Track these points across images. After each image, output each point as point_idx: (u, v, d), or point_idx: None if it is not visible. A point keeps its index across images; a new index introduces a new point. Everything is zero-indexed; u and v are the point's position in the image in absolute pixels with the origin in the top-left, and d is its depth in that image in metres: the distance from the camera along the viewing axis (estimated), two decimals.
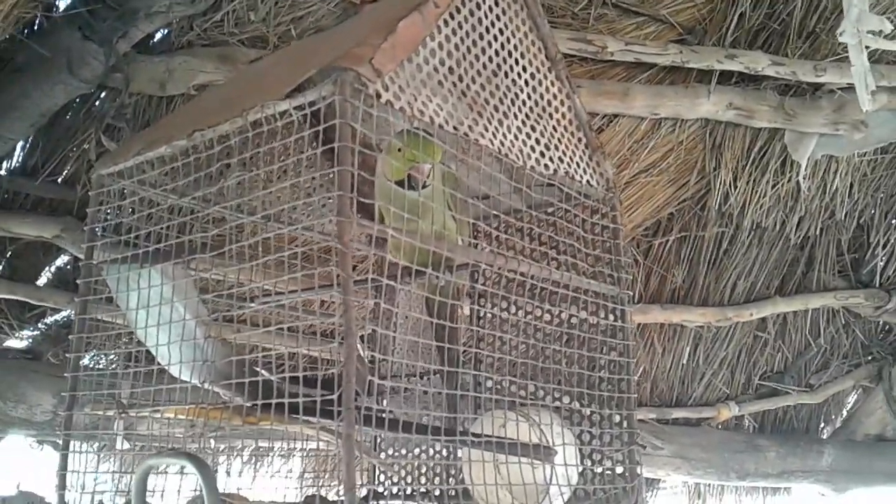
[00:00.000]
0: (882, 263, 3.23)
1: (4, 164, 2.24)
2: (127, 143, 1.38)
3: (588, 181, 1.31)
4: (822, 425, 3.69)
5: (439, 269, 1.04)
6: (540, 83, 1.25)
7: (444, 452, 1.47)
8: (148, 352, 1.15)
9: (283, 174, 1.17)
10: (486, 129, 1.10)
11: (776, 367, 3.44)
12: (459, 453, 1.36)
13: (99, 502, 1.15)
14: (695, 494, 3.60)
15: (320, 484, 1.62)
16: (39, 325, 2.55)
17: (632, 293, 1.33)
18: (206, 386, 1.12)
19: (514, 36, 1.20)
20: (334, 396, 0.85)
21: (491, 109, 1.12)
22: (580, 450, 1.31)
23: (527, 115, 1.20)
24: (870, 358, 3.52)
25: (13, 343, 2.54)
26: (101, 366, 1.85)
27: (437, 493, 1.41)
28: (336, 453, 1.54)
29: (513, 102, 1.17)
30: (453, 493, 1.34)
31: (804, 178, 2.69)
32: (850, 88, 2.24)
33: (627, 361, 1.31)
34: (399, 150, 1.16)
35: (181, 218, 1.18)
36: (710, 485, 3.55)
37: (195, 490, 1.12)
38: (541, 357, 1.30)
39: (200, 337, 1.11)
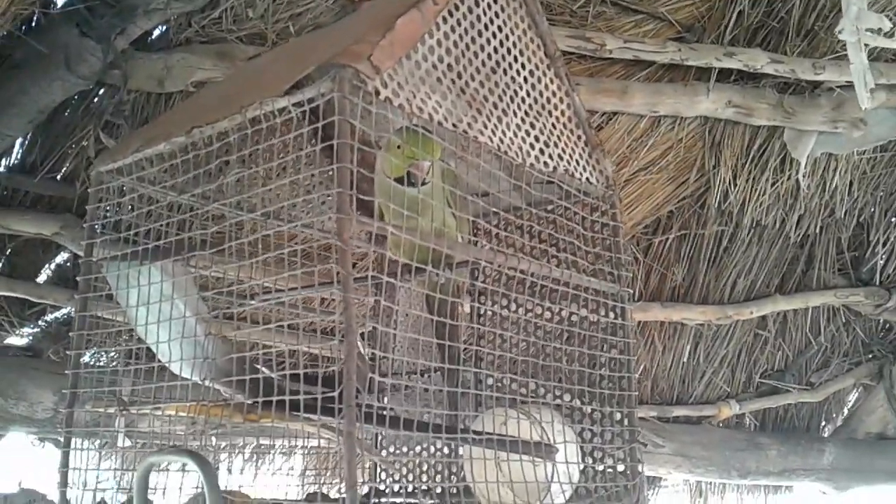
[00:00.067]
0: (882, 261, 3.23)
1: (3, 162, 2.24)
2: (126, 140, 1.38)
3: (588, 179, 1.31)
4: (823, 423, 3.69)
5: (439, 267, 1.04)
6: (539, 80, 1.25)
7: (446, 450, 1.47)
8: (148, 349, 1.15)
9: (282, 171, 1.17)
10: (486, 127, 1.10)
11: (777, 366, 3.44)
12: (460, 451, 1.36)
13: (101, 499, 1.15)
14: (696, 493, 3.61)
15: (322, 481, 1.62)
16: (39, 322, 2.55)
17: (632, 291, 1.33)
18: (206, 383, 1.12)
19: (512, 33, 1.20)
20: (335, 394, 0.85)
21: (490, 106, 1.12)
22: (581, 447, 1.31)
23: (526, 113, 1.20)
24: (870, 356, 3.52)
25: (13, 340, 2.54)
26: (101, 363, 1.85)
27: (438, 490, 1.41)
28: (337, 451, 1.54)
29: (512, 100, 1.17)
30: (454, 491, 1.34)
31: (804, 176, 2.69)
32: (849, 86, 2.24)
33: (628, 359, 1.31)
34: (398, 147, 1.16)
35: (181, 215, 1.18)
36: (711, 483, 3.55)
37: (197, 487, 1.12)
38: (541, 355, 1.29)
39: (201, 334, 1.11)
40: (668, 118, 2.57)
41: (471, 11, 1.12)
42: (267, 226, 1.14)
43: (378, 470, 1.54)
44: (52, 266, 2.50)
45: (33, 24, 1.95)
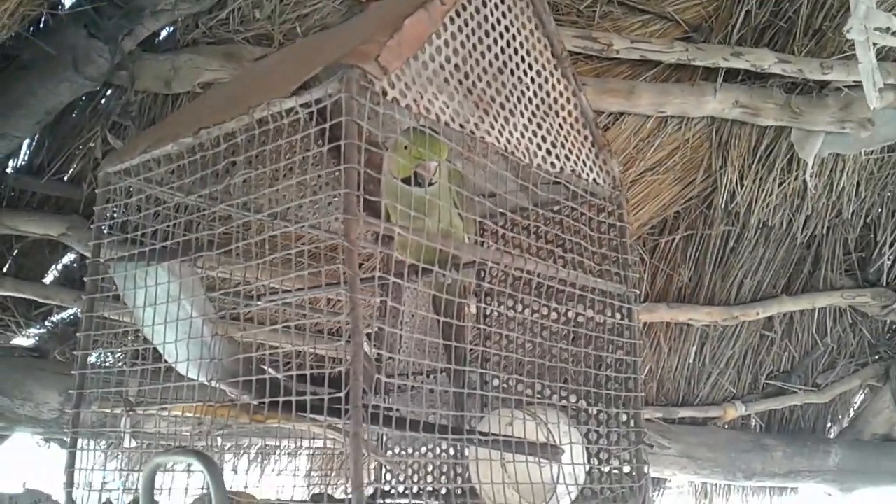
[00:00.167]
0: (889, 262, 3.22)
1: (10, 163, 2.25)
2: (133, 141, 1.38)
3: (594, 179, 1.31)
4: (828, 425, 3.68)
5: (446, 267, 1.04)
6: (546, 80, 1.24)
7: (451, 451, 1.47)
8: (155, 349, 1.15)
9: (289, 172, 1.17)
10: (493, 127, 1.10)
11: (783, 367, 3.43)
12: (466, 452, 1.35)
13: (107, 500, 1.15)
14: (701, 494, 3.60)
15: (327, 482, 1.62)
16: (46, 323, 2.56)
17: (638, 292, 1.32)
18: (213, 384, 1.12)
19: (519, 33, 1.20)
20: (342, 395, 0.84)
21: (497, 107, 1.12)
22: (587, 449, 1.30)
23: (533, 113, 1.20)
24: (877, 357, 3.51)
25: (20, 341, 2.55)
26: (108, 364, 1.85)
27: (443, 491, 1.40)
28: (342, 451, 1.54)
29: (519, 100, 1.17)
30: (460, 492, 1.34)
31: (811, 177, 2.68)
32: (857, 86, 2.24)
33: (634, 360, 1.31)
34: (405, 147, 1.16)
35: (188, 216, 1.18)
36: (716, 484, 3.54)
37: (203, 488, 1.12)
38: (547, 355, 1.29)
39: (207, 335, 1.11)
40: (675, 118, 2.56)
41: (478, 12, 1.12)
42: (274, 226, 1.14)
43: (383, 471, 1.53)
44: (59, 267, 2.50)
45: (41, 25, 1.95)
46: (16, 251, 2.40)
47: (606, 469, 1.31)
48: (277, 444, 1.58)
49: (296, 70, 1.05)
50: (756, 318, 3.16)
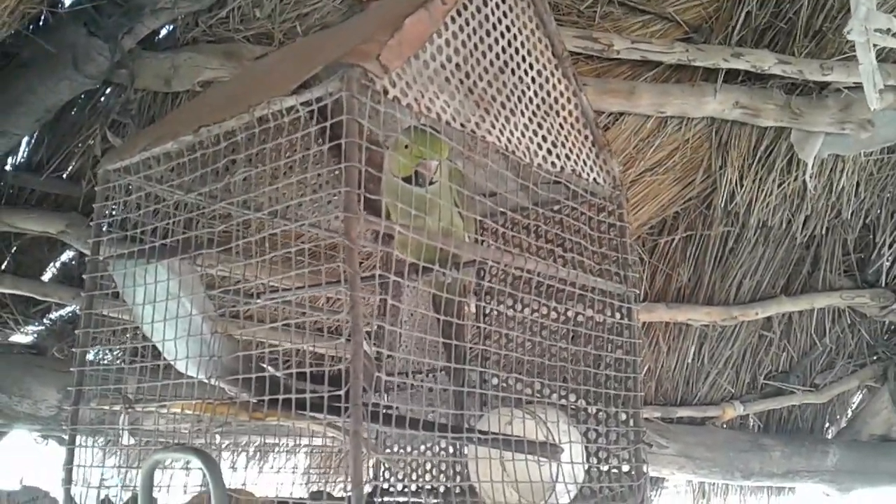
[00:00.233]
0: (888, 263, 3.22)
1: (10, 160, 2.25)
2: (132, 139, 1.38)
3: (595, 179, 1.31)
4: (827, 425, 3.68)
5: (446, 266, 1.04)
6: (547, 80, 1.24)
7: (450, 449, 1.47)
8: (154, 347, 1.15)
9: (289, 170, 1.17)
10: (493, 126, 1.10)
11: (781, 367, 3.44)
12: (465, 450, 1.35)
13: (105, 497, 1.15)
14: (699, 494, 3.60)
15: (326, 480, 1.62)
16: (44, 320, 2.56)
17: (638, 291, 1.33)
18: (212, 381, 1.12)
19: (520, 33, 1.20)
20: (341, 393, 0.84)
21: (497, 106, 1.12)
22: (586, 448, 1.30)
23: (533, 113, 1.20)
24: (875, 358, 3.52)
25: (18, 338, 2.55)
26: (106, 361, 1.85)
27: (442, 490, 1.40)
28: (341, 449, 1.54)
29: (519, 100, 1.17)
30: (459, 491, 1.34)
31: (810, 178, 2.69)
32: (857, 87, 2.24)
33: (634, 359, 1.31)
34: (406, 146, 1.16)
35: (187, 213, 1.18)
36: (714, 484, 3.55)
37: (201, 485, 1.12)
38: (547, 355, 1.29)
39: (207, 332, 1.11)
40: (675, 119, 2.57)
41: (479, 11, 1.12)
42: (274, 225, 1.14)
43: (382, 469, 1.54)
44: (58, 264, 2.50)
45: (41, 23, 1.95)
46: (14, 248, 2.40)
47: (605, 468, 1.31)
48: (276, 441, 1.57)
49: (296, 69, 1.04)
50: (755, 319, 3.17)
